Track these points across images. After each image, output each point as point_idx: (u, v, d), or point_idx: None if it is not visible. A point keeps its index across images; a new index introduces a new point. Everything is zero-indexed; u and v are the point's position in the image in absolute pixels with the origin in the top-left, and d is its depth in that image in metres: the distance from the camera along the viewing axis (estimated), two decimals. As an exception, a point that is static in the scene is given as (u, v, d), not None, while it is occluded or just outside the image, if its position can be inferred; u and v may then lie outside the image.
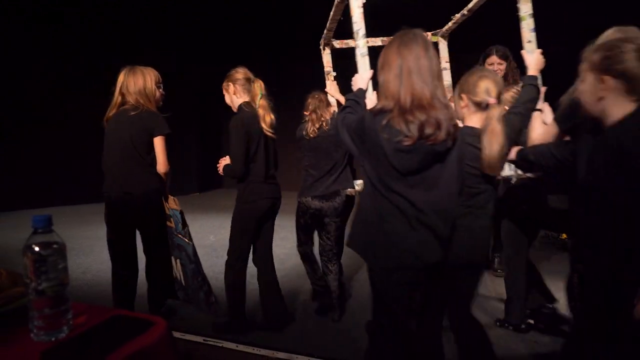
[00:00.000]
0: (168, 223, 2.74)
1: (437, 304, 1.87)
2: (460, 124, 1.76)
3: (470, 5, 2.50)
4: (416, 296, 1.75)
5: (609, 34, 1.77)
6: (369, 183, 1.63)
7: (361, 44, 2.05)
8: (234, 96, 2.64)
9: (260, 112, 2.56)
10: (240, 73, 2.62)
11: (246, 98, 2.61)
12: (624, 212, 1.36)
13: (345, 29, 2.40)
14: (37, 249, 0.94)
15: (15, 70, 6.58)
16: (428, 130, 1.47)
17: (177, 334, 2.50)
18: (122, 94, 2.53)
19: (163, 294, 2.81)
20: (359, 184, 2.89)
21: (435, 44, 2.95)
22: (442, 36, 3.11)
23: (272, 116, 2.59)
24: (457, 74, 2.03)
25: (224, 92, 2.68)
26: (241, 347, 2.46)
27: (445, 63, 3.09)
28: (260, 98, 2.59)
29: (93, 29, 7.13)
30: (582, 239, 1.56)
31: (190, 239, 2.67)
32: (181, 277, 2.93)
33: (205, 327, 2.71)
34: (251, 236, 2.63)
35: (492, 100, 1.74)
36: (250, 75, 2.64)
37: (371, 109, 1.63)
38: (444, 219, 1.58)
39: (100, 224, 5.70)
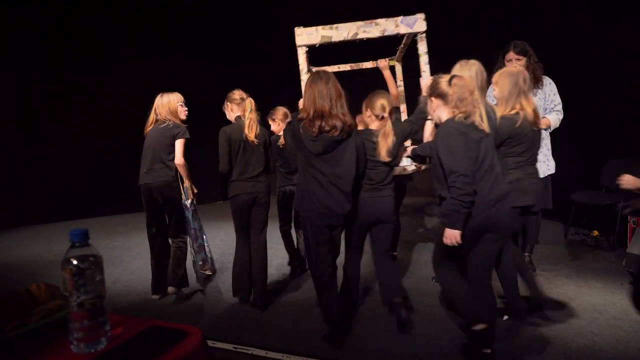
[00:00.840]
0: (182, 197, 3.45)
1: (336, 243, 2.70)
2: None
3: (404, 40, 3.42)
4: (329, 235, 2.60)
5: (457, 67, 2.63)
6: (300, 164, 2.61)
7: (304, 77, 2.95)
8: (231, 112, 3.27)
9: (247, 123, 3.12)
10: (236, 94, 3.27)
11: (239, 113, 3.22)
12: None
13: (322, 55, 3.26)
14: (75, 262, 0.96)
15: (39, 84, 6.77)
16: (326, 129, 2.42)
17: (208, 342, 2.52)
18: (155, 114, 3.36)
19: (179, 277, 3.39)
20: None
21: (393, 67, 3.88)
22: (397, 60, 3.93)
23: (257, 128, 3.16)
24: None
25: (224, 109, 3.33)
26: (271, 354, 2.47)
27: (399, 82, 3.93)
28: (250, 112, 3.16)
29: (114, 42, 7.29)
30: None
31: (194, 206, 3.48)
32: (194, 252, 3.55)
33: (235, 334, 2.72)
34: (244, 224, 3.20)
35: (385, 114, 2.69)
36: (244, 95, 3.26)
37: (296, 118, 2.56)
38: (345, 183, 2.50)
39: (127, 234, 5.86)
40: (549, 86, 3.49)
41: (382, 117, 2.68)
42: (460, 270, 2.46)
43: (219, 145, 3.13)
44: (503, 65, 3.47)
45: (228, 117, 3.31)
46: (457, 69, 2.60)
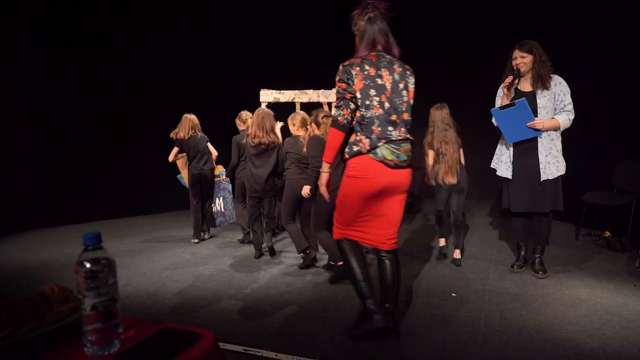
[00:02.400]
0: (218, 178, 5.49)
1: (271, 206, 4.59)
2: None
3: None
4: (260, 202, 4.51)
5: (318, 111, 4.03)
6: (248, 159, 4.42)
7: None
8: (239, 126, 5.16)
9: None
10: (243, 115, 5.13)
11: (244, 127, 5.05)
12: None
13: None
14: (88, 265, 0.96)
15: (48, 84, 6.84)
16: (260, 142, 4.20)
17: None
18: (193, 125, 5.22)
19: (209, 219, 5.57)
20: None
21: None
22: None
23: None
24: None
25: (237, 123, 5.22)
26: (280, 356, 2.47)
27: None
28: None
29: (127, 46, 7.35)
30: None
31: (230, 182, 5.55)
32: (222, 208, 5.52)
33: (245, 336, 2.72)
34: (243, 193, 4.97)
35: (297, 128, 4.22)
36: (249, 117, 4.95)
37: (246, 134, 4.43)
38: (266, 172, 4.30)
39: (136, 237, 5.91)
40: (559, 86, 3.42)
41: (307, 129, 4.10)
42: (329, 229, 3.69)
43: (232, 147, 5.03)
44: (510, 64, 3.51)
45: (238, 128, 5.20)
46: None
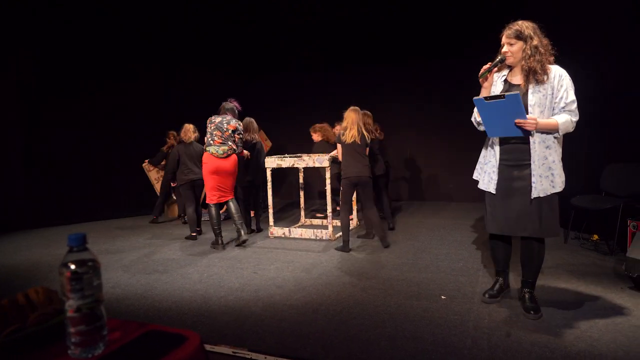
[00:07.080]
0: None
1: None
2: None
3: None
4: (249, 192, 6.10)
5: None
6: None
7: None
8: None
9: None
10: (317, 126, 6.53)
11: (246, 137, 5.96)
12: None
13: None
14: (72, 267, 0.96)
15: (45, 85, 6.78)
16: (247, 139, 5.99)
17: (207, 347, 2.52)
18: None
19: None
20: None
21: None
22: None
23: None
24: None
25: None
26: (270, 358, 2.46)
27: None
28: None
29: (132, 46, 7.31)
30: None
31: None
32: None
33: (234, 338, 2.71)
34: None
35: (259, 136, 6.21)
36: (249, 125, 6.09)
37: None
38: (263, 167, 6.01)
39: (126, 238, 5.86)
40: (559, 79, 2.72)
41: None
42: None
43: None
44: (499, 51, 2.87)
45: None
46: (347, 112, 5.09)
